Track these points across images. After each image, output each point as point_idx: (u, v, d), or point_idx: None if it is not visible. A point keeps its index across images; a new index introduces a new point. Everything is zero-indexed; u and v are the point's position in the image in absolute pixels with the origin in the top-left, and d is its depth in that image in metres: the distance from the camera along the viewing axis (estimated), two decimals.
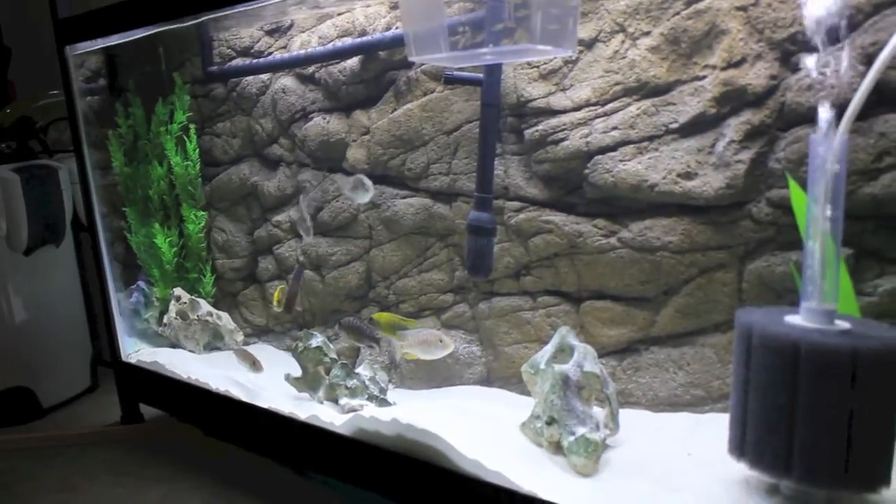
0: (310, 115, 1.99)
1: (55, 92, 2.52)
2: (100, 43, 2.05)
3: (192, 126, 2.19)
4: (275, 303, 1.96)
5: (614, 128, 1.55)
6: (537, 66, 1.63)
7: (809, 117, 1.34)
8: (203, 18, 1.79)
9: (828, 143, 1.09)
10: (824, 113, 1.10)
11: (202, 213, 2.23)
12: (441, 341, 1.69)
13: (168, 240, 2.23)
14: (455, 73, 1.62)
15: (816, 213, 1.11)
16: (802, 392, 1.07)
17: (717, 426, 1.41)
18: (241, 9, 1.69)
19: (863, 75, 1.10)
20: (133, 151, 2.28)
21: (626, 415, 1.51)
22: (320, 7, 1.88)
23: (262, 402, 1.76)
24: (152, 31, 1.90)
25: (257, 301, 2.26)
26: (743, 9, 1.41)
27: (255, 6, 1.70)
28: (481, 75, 1.59)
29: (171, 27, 1.85)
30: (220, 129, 2.23)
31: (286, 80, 2.04)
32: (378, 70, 1.87)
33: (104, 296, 2.21)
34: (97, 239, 2.18)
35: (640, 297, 1.58)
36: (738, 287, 1.48)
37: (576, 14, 1.31)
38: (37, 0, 2.31)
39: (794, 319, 1.14)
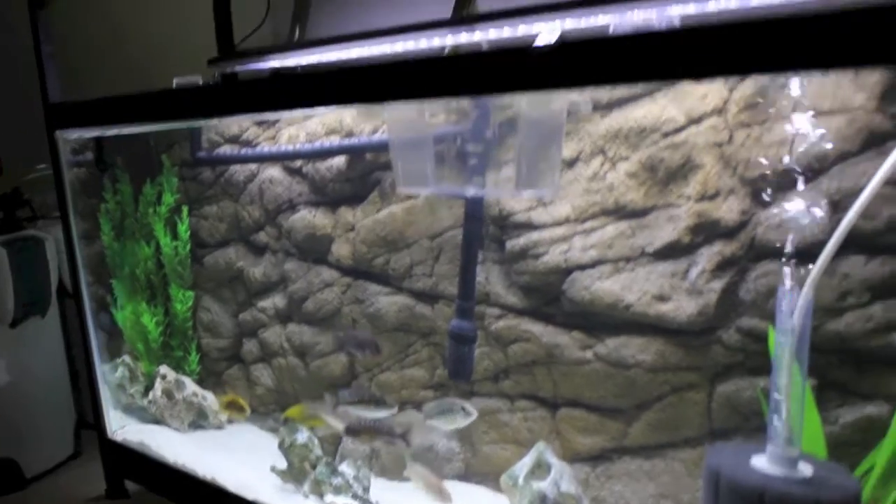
0: (296, 207, 2.04)
1: (43, 166, 2.54)
2: (93, 133, 2.09)
3: (184, 207, 2.23)
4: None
5: (592, 246, 1.61)
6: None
7: (778, 253, 1.40)
8: (196, 123, 1.84)
9: (792, 300, 1.16)
10: (788, 268, 1.17)
11: (190, 293, 2.27)
12: (464, 409, 1.70)
13: (154, 319, 2.27)
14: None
15: (783, 364, 1.17)
16: None
17: None
18: (235, 118, 1.74)
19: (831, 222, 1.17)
20: (120, 227, 2.31)
21: None
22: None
23: (249, 492, 1.80)
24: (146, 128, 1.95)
25: (241, 381, 2.30)
26: (718, 145, 1.47)
27: (248, 118, 1.75)
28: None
29: (165, 127, 1.89)
30: (207, 212, 2.27)
31: (273, 171, 2.09)
32: (364, 170, 1.92)
33: (90, 370, 2.24)
34: (83, 314, 2.21)
35: (615, 408, 1.63)
36: (708, 406, 1.53)
37: (559, 161, 1.36)
38: (26, 71, 2.32)
39: (761, 461, 1.21)
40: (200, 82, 1.80)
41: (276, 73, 1.84)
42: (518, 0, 1.48)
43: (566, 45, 1.13)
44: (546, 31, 1.46)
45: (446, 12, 1.88)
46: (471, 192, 1.44)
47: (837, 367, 1.39)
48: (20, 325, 2.40)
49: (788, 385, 1.18)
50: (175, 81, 1.83)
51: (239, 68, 1.94)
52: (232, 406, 2.07)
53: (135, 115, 1.88)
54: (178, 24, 2.64)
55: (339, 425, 1.72)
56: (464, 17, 1.87)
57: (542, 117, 1.32)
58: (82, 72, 3.16)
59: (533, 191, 1.33)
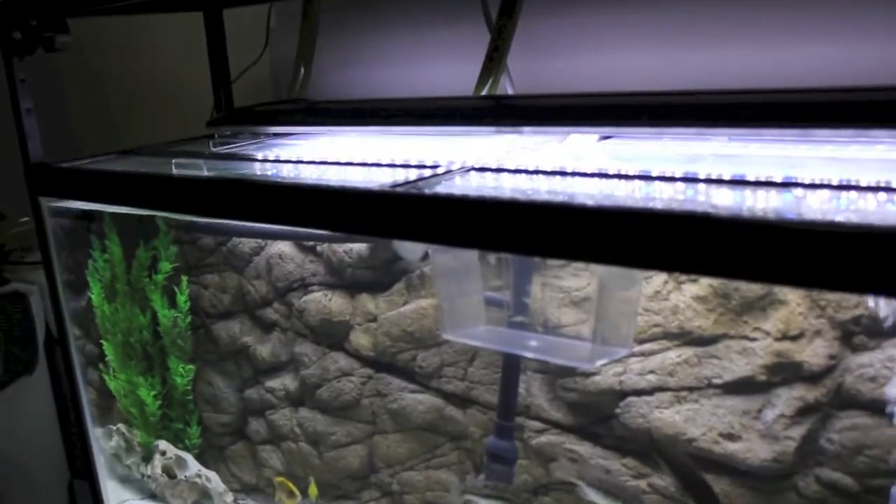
0: (309, 288, 1.85)
1: (26, 219, 2.34)
2: (80, 205, 1.88)
3: (184, 278, 2.04)
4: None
5: (651, 371, 1.45)
6: (569, 291, 1.52)
7: (869, 406, 1.26)
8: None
9: None
10: None
11: (190, 366, 2.10)
12: None
13: (152, 393, 2.10)
14: None
15: None
16: None
17: None
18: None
19: None
20: (111, 288, 2.12)
21: None
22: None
23: None
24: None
25: (247, 459, 2.14)
26: None
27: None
28: None
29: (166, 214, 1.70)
30: (208, 281, 2.07)
31: (283, 246, 1.90)
32: (389, 258, 1.74)
33: (85, 445, 2.07)
34: (75, 383, 2.04)
35: None
36: None
37: (636, 313, 1.20)
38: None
39: None
40: (204, 168, 1.60)
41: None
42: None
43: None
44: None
45: (467, 75, 1.71)
46: (529, 353, 1.27)
47: None
48: (7, 388, 2.24)
49: None
50: (174, 164, 1.63)
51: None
52: (282, 488, 1.92)
53: (126, 198, 1.68)
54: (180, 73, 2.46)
55: None
56: (487, 97, 1.68)
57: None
58: (84, 118, 2.99)
59: (608, 357, 1.16)
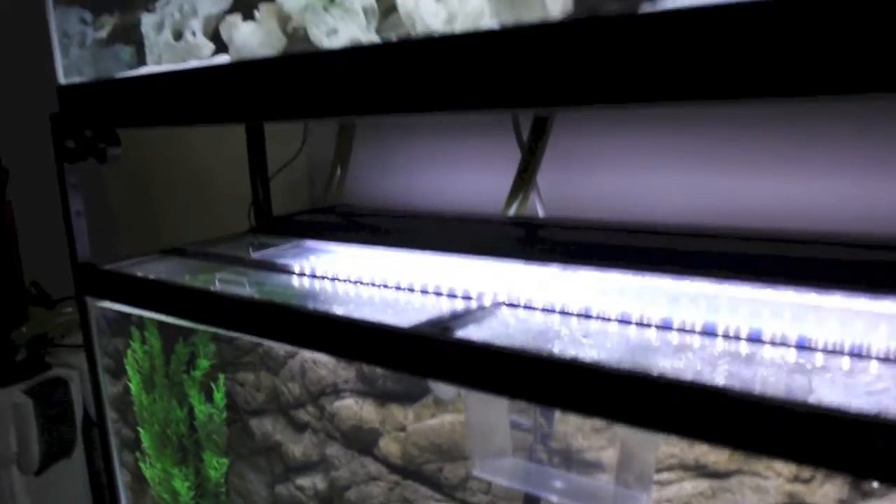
0: (341, 394, 1.92)
1: (69, 310, 2.44)
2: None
3: (221, 376, 2.12)
4: None
5: (668, 500, 1.49)
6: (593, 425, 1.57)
7: None
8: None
9: None
10: None
11: (224, 460, 2.16)
12: None
13: (186, 484, 2.16)
14: None
15: None
16: None
17: None
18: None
19: None
20: (150, 380, 2.20)
21: None
22: None
23: None
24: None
25: None
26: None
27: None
28: None
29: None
30: (242, 378, 2.15)
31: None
32: None
33: None
34: (112, 468, 2.12)
35: None
36: None
37: (654, 463, 1.25)
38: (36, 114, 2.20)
39: None
40: (246, 286, 1.68)
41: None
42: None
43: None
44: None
45: (498, 185, 1.79)
46: (553, 496, 1.32)
47: None
48: (46, 470, 2.32)
49: None
50: (217, 280, 1.72)
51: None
52: None
53: (168, 309, 1.76)
54: (219, 165, 2.56)
55: None
56: (517, 222, 1.76)
57: None
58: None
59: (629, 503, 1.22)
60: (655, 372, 0.99)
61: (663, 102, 0.92)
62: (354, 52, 1.29)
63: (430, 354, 1.25)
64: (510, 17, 1.14)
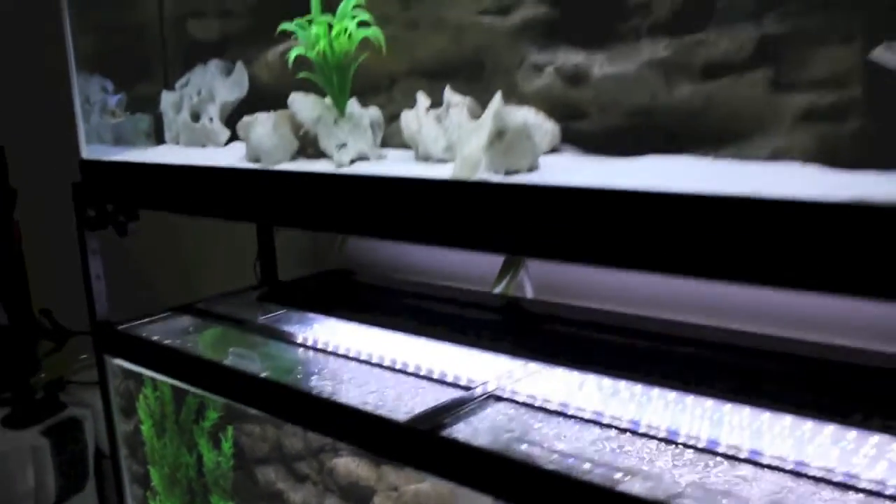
0: (339, 452, 2.07)
1: (84, 357, 2.58)
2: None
3: (230, 427, 2.26)
4: None
5: None
6: None
7: None
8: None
9: None
10: None
11: (230, 503, 2.31)
12: None
13: None
14: None
15: None
16: None
17: None
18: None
19: None
20: (161, 426, 2.35)
21: None
22: None
23: None
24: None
25: None
26: None
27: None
28: None
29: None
30: (248, 430, 2.29)
31: None
32: None
33: None
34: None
35: None
36: None
37: None
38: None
39: None
40: (256, 359, 1.83)
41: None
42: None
43: None
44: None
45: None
46: None
47: None
48: None
49: None
50: (230, 353, 1.87)
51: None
52: None
53: (178, 376, 1.91)
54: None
55: None
56: (506, 307, 1.90)
57: None
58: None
59: None
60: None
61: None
62: (353, 180, 1.44)
63: (420, 449, 1.41)
64: (503, 166, 1.29)
